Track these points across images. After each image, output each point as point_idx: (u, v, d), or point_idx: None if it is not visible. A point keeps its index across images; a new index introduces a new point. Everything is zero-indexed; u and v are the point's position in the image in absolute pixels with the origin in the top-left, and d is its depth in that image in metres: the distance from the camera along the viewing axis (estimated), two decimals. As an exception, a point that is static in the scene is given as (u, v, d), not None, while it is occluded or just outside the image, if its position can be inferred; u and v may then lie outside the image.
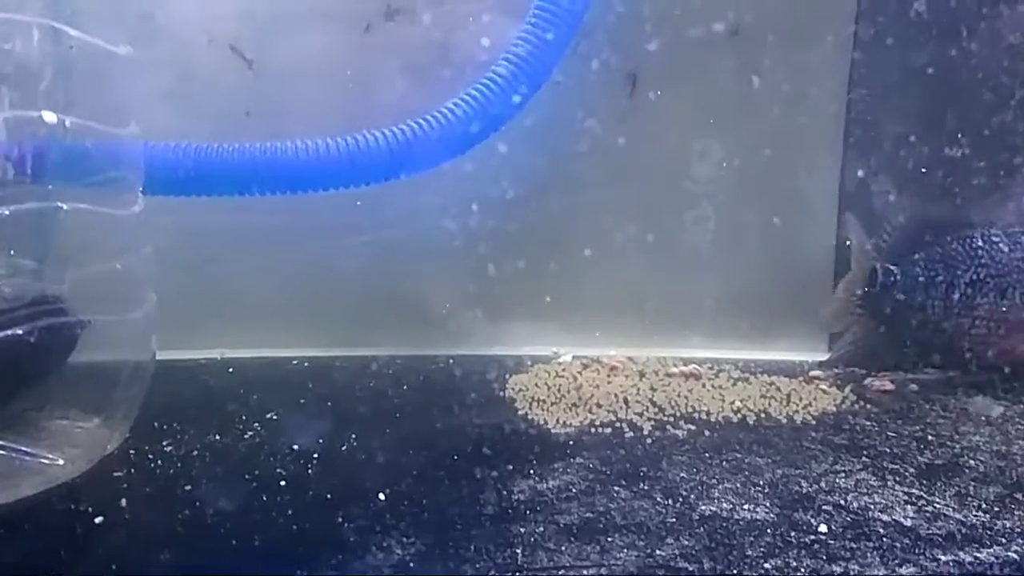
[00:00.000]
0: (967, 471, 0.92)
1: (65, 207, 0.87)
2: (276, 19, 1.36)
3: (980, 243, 1.22)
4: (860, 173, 1.38)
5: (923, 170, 1.37)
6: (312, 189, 1.23)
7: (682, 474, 0.92)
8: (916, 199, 1.38)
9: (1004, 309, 1.18)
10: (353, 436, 1.03)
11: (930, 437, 1.03)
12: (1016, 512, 0.82)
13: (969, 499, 0.85)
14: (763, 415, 1.12)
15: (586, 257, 1.42)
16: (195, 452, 0.99)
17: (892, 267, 1.26)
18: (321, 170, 1.22)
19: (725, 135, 1.39)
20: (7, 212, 0.81)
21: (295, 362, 1.37)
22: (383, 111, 1.31)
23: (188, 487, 0.89)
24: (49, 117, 0.83)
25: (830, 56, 1.36)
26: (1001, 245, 1.21)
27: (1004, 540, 0.76)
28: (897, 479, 0.90)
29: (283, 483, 0.90)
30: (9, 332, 0.82)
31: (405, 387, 1.23)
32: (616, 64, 1.37)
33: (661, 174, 1.41)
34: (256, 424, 1.08)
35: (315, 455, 0.97)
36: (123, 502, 0.86)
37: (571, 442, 1.01)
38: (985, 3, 1.32)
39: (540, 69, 1.28)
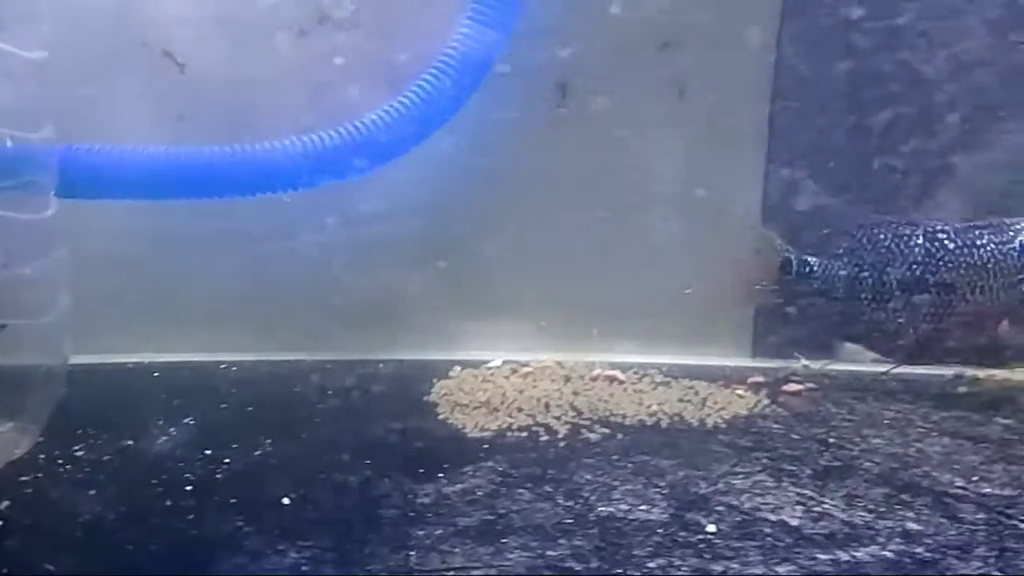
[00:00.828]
0: (861, 472, 0.96)
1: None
2: (210, 23, 1.37)
3: (896, 236, 1.24)
4: (783, 179, 1.41)
5: (849, 178, 1.42)
6: (222, 194, 1.23)
7: (587, 476, 0.94)
8: (838, 206, 1.42)
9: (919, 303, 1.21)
10: (269, 441, 1.04)
11: (831, 439, 1.06)
12: (899, 512, 0.86)
13: (857, 500, 0.89)
14: (677, 418, 1.14)
15: (519, 263, 1.45)
16: (106, 457, 0.99)
17: (809, 258, 1.28)
18: (227, 175, 1.23)
19: (652, 144, 1.42)
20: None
21: (223, 367, 1.37)
22: (317, 115, 1.32)
23: (93, 492, 0.89)
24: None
25: (753, 67, 1.39)
26: (917, 238, 1.23)
27: (882, 540, 0.80)
28: (792, 480, 0.93)
29: (188, 488, 0.90)
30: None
31: (330, 392, 1.24)
32: (546, 73, 1.39)
33: (591, 182, 1.43)
34: (172, 429, 1.08)
35: (226, 460, 0.98)
36: (25, 506, 0.85)
37: (485, 446, 1.03)
38: (907, 10, 1.36)
39: (469, 78, 1.30)
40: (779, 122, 1.39)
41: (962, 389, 1.30)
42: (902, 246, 1.23)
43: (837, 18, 1.37)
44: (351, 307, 1.42)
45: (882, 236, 1.25)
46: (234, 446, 1.02)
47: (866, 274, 1.24)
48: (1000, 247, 1.18)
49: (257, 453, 1.00)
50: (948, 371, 1.35)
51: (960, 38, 1.35)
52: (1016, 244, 1.17)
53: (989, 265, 1.18)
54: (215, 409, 1.16)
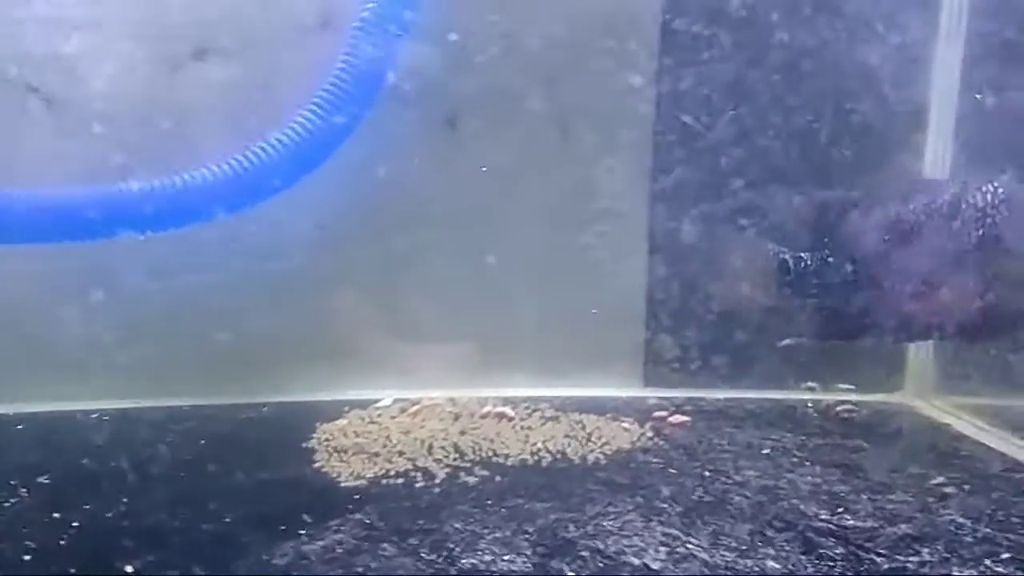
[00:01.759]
0: (730, 508, 0.96)
1: None
2: (80, 59, 1.31)
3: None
4: (667, 211, 1.43)
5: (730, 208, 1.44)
6: (60, 239, 1.18)
7: (457, 525, 0.92)
8: (722, 236, 1.44)
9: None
10: (125, 500, 0.98)
11: (707, 473, 1.07)
12: (760, 551, 0.86)
13: (722, 538, 0.89)
14: (559, 456, 1.13)
15: (409, 299, 1.42)
16: (-57, 525, 0.92)
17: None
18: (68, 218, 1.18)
19: (541, 179, 1.42)
20: None
21: (94, 416, 1.30)
22: (190, 151, 1.28)
23: (-80, 566, 0.83)
24: None
25: (637, 104, 1.41)
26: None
27: (739, 580, 0.80)
28: (661, 520, 0.93)
29: (26, 557, 0.84)
30: None
31: (203, 441, 1.19)
32: (436, 110, 1.38)
33: (480, 216, 1.42)
34: (24, 489, 1.01)
35: (74, 523, 0.92)
36: None
37: (356, 496, 1.00)
38: (776, 31, 1.40)
39: (351, 116, 1.28)
40: (661, 158, 1.41)
41: (844, 414, 1.33)
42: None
43: (714, 50, 1.40)
44: (232, 348, 1.37)
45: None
46: (87, 507, 0.96)
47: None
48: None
49: (109, 514, 0.95)
50: (831, 396, 1.39)
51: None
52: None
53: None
54: (75, 464, 1.10)
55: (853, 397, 1.40)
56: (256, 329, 1.38)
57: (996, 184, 1.06)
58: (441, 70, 1.36)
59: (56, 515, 0.94)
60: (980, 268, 1.06)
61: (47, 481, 1.04)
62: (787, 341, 1.36)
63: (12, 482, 1.03)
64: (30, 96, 1.31)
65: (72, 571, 0.82)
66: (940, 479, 1.05)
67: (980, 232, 1.06)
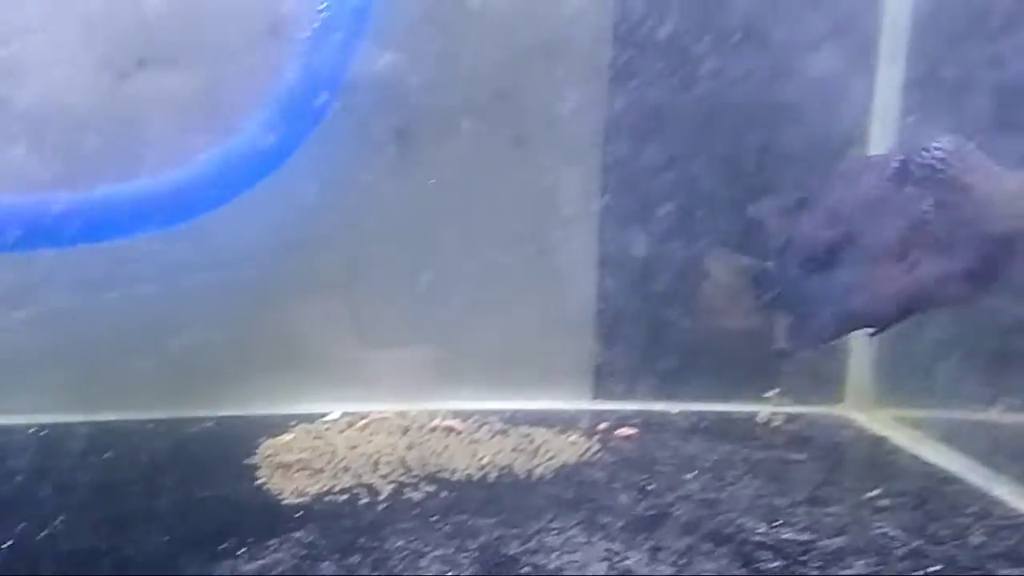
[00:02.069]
0: (670, 522, 0.98)
1: None
2: (25, 63, 1.28)
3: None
4: (618, 227, 1.45)
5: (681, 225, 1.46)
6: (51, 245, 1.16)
7: (400, 543, 0.92)
8: (674, 254, 1.46)
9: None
10: (61, 518, 0.96)
11: (650, 487, 1.08)
12: (697, 565, 0.87)
13: (661, 553, 0.90)
14: (506, 471, 1.14)
15: (358, 311, 1.41)
16: None
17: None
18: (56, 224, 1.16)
19: (493, 192, 1.42)
20: None
21: (32, 431, 1.27)
22: (135, 158, 1.26)
23: None
24: None
25: (587, 119, 1.42)
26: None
27: (676, 595, 0.81)
28: (603, 534, 0.94)
29: (-50, 582, 0.82)
30: None
31: (143, 457, 1.17)
32: (385, 121, 1.38)
33: (430, 228, 1.42)
34: (-43, 508, 0.98)
35: (5, 544, 0.89)
36: None
37: (298, 514, 0.99)
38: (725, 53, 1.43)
39: (299, 127, 1.27)
40: (611, 175, 1.43)
41: (787, 426, 1.36)
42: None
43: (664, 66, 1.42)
44: (181, 361, 1.35)
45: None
46: (20, 527, 0.94)
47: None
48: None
49: (43, 533, 0.92)
50: (774, 409, 1.42)
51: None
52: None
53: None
54: (9, 481, 1.07)
55: (795, 410, 1.42)
56: (202, 341, 1.36)
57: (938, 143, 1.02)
58: (392, 83, 1.36)
59: (-13, 535, 0.91)
60: (941, 230, 1.03)
61: (-20, 498, 1.01)
62: (777, 348, 1.36)
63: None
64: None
65: (-2, 595, 0.80)
66: (875, 492, 1.07)
67: (931, 192, 1.03)
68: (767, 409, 1.41)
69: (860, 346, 1.49)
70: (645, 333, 1.48)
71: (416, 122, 1.39)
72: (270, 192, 1.28)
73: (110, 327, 1.32)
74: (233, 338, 1.37)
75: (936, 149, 1.02)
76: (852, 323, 1.15)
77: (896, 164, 1.05)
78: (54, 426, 1.28)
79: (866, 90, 1.42)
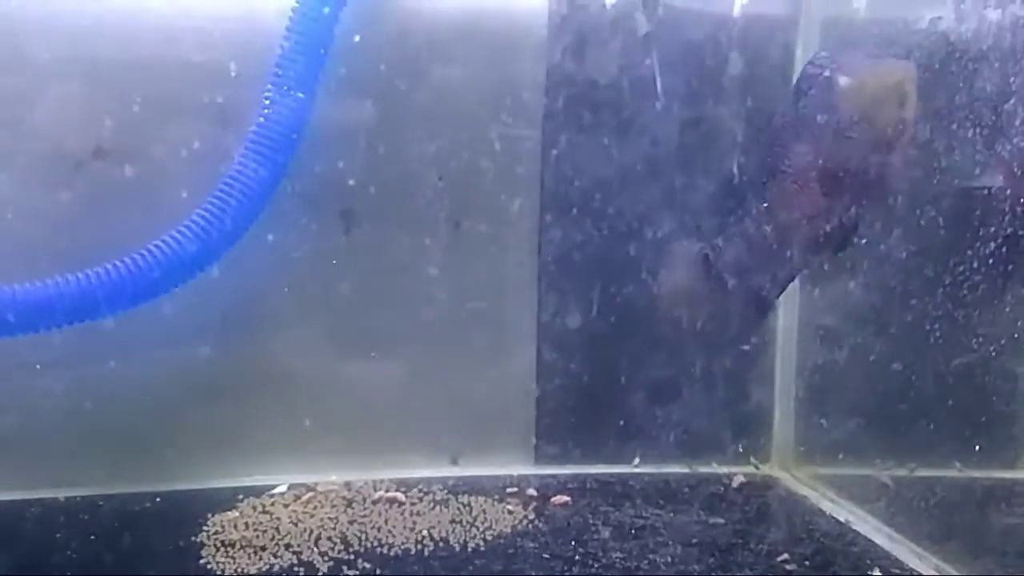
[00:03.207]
0: (592, 594, 1.04)
1: None
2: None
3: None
4: (553, 300, 1.53)
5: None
6: None
7: (332, 622, 0.97)
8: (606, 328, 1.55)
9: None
10: (7, 604, 1.00)
11: (577, 556, 1.15)
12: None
13: (580, 625, 0.96)
14: (442, 543, 1.19)
15: (304, 386, 1.47)
16: None
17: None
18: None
19: (433, 269, 1.50)
20: None
21: (-29, 510, 1.30)
22: (90, 249, 1.31)
23: None
24: None
25: (524, 204, 1.51)
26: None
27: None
28: (526, 609, 1.00)
29: None
30: None
31: (92, 536, 1.20)
32: (331, 205, 1.46)
33: (378, 305, 1.49)
34: None
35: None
36: None
37: (238, 594, 1.04)
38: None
39: (245, 216, 1.34)
40: (548, 249, 1.52)
41: (711, 488, 1.44)
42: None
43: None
44: (127, 438, 1.39)
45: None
46: (-37, 615, 0.97)
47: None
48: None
49: (-14, 623, 0.96)
50: (703, 469, 1.50)
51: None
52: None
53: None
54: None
55: (723, 470, 1.50)
56: (151, 418, 1.40)
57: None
58: (337, 166, 1.44)
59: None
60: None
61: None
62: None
63: None
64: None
65: None
66: (785, 555, 1.15)
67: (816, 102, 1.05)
68: (696, 471, 1.50)
69: (784, 406, 1.58)
70: (581, 400, 1.55)
71: (360, 204, 1.47)
72: (218, 274, 1.34)
73: (59, 406, 1.36)
74: (181, 415, 1.42)
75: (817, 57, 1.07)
76: (791, 270, 1.19)
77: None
78: (3, 503, 1.31)
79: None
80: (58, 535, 1.21)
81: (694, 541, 1.20)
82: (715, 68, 1.53)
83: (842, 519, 1.31)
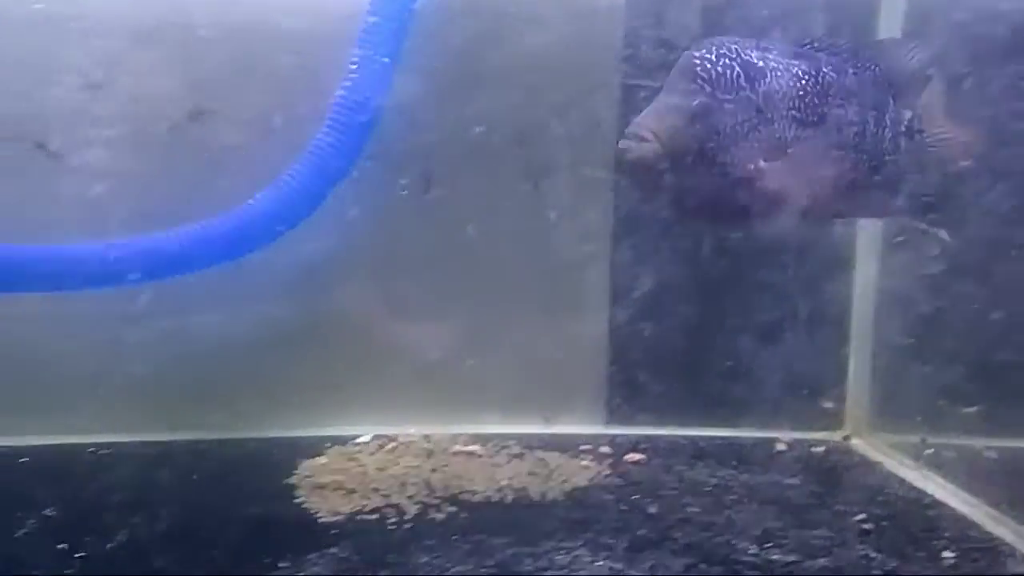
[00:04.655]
0: (670, 543, 1.07)
1: None
2: (82, 117, 1.41)
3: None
4: (628, 261, 1.55)
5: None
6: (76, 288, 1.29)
7: (424, 559, 1.02)
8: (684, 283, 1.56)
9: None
10: (124, 531, 1.08)
11: (653, 510, 1.18)
12: (692, 583, 0.97)
13: (661, 570, 1.00)
14: (522, 493, 1.24)
15: (388, 340, 1.53)
16: (-40, 554, 1.01)
17: None
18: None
19: (510, 228, 1.53)
20: None
21: (91, 450, 1.40)
22: (185, 205, 1.39)
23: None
24: None
25: (599, 165, 1.53)
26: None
27: (671, 610, 0.91)
28: (607, 554, 1.04)
29: (36, 585, 0.94)
30: None
31: (195, 476, 1.29)
32: (412, 166, 1.50)
33: (455, 264, 1.53)
34: (31, 521, 1.11)
35: (78, 555, 1.02)
36: None
37: (334, 531, 1.10)
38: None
39: (336, 166, 1.39)
40: (621, 215, 1.53)
41: (786, 452, 1.45)
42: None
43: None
44: (223, 387, 1.47)
45: None
46: (88, 538, 1.06)
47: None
48: None
49: (109, 546, 1.04)
50: (776, 434, 1.51)
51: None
52: None
53: None
54: (78, 497, 1.19)
55: (796, 435, 1.51)
56: (247, 369, 1.48)
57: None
58: (418, 129, 1.48)
59: (62, 546, 1.04)
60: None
61: (52, 513, 1.13)
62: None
63: (19, 513, 1.12)
64: (37, 152, 1.42)
65: (77, 600, 0.92)
66: (862, 516, 1.16)
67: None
68: (769, 435, 1.51)
69: (860, 373, 1.58)
70: (655, 362, 1.58)
71: (440, 166, 1.50)
72: (307, 232, 1.40)
73: (163, 356, 1.45)
74: (271, 367, 1.49)
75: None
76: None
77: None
78: (111, 445, 1.41)
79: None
80: (162, 474, 1.30)
81: (770, 499, 1.22)
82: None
83: (917, 483, 1.31)
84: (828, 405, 1.55)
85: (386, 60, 1.39)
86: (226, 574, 0.98)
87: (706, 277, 1.57)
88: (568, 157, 1.53)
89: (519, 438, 1.47)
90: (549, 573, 0.99)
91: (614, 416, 1.58)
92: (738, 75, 1.05)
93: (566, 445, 1.45)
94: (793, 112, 1.08)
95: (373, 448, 1.42)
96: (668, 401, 1.57)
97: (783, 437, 1.50)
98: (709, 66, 1.04)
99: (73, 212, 1.40)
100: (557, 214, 1.53)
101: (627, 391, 1.57)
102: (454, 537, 1.08)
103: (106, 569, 0.99)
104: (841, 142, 1.11)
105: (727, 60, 1.05)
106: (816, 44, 1.14)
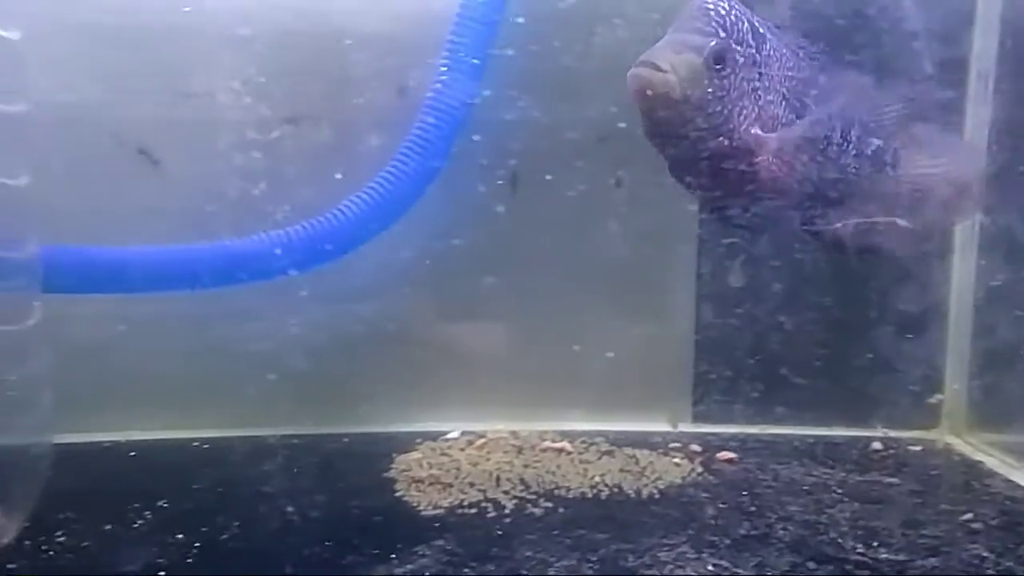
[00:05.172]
0: (774, 541, 1.07)
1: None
2: (182, 123, 1.47)
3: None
4: (715, 257, 1.54)
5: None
6: (209, 287, 1.34)
7: (528, 553, 1.04)
8: (769, 282, 1.55)
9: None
10: (236, 523, 1.12)
11: (753, 508, 1.17)
12: (802, 581, 0.97)
13: (767, 569, 0.99)
14: (616, 490, 1.24)
15: (476, 338, 1.55)
16: (86, 544, 1.06)
17: None
18: (214, 268, 1.34)
19: (597, 228, 1.54)
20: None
21: (196, 444, 1.45)
22: (287, 209, 1.43)
23: (75, 579, 0.98)
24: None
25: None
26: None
27: (783, 608, 0.90)
28: (712, 551, 1.04)
29: (161, 574, 0.98)
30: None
31: (296, 470, 1.32)
32: (500, 166, 1.52)
33: (542, 263, 1.55)
34: (147, 512, 1.16)
35: (196, 544, 1.06)
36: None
37: (436, 524, 1.12)
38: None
39: (427, 173, 1.42)
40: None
41: (882, 451, 1.42)
42: None
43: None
44: (317, 384, 1.51)
45: None
46: (203, 529, 1.10)
47: None
48: None
49: (224, 536, 1.09)
50: (870, 433, 1.48)
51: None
52: None
53: None
54: (187, 490, 1.24)
55: (891, 434, 1.48)
56: (335, 365, 1.52)
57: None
58: (507, 129, 1.49)
59: (179, 536, 1.08)
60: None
61: (166, 505, 1.18)
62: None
63: (136, 505, 1.18)
64: (139, 157, 1.48)
65: (200, 588, 0.96)
66: (969, 515, 1.13)
67: None
68: (862, 434, 1.48)
69: (957, 371, 1.54)
70: (741, 360, 1.56)
71: (526, 165, 1.52)
72: (398, 232, 1.43)
73: (260, 355, 1.49)
74: (364, 364, 1.53)
75: None
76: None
77: None
78: (215, 440, 1.46)
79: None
80: (266, 467, 1.34)
81: (872, 499, 1.20)
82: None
83: (1021, 483, 1.27)
84: (929, 402, 1.51)
85: (475, 61, 1.41)
86: (341, 563, 1.01)
87: (795, 273, 1.55)
88: (653, 153, 1.52)
89: (605, 435, 1.47)
90: (654, 570, 0.99)
91: (699, 414, 1.57)
92: (748, 30, 1.02)
93: (654, 443, 1.45)
94: (783, 90, 1.05)
95: (463, 444, 1.45)
96: (756, 400, 1.56)
97: (878, 436, 1.47)
98: (724, 12, 1.01)
99: (175, 217, 1.46)
100: (642, 211, 1.53)
101: (713, 389, 1.56)
102: (555, 532, 1.09)
103: (226, 559, 1.03)
104: (812, 137, 1.08)
105: (738, 13, 1.02)
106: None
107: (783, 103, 1.06)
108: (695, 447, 1.42)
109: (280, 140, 1.47)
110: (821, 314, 1.55)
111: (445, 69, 1.41)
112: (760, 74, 1.04)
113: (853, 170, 1.13)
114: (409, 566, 1.00)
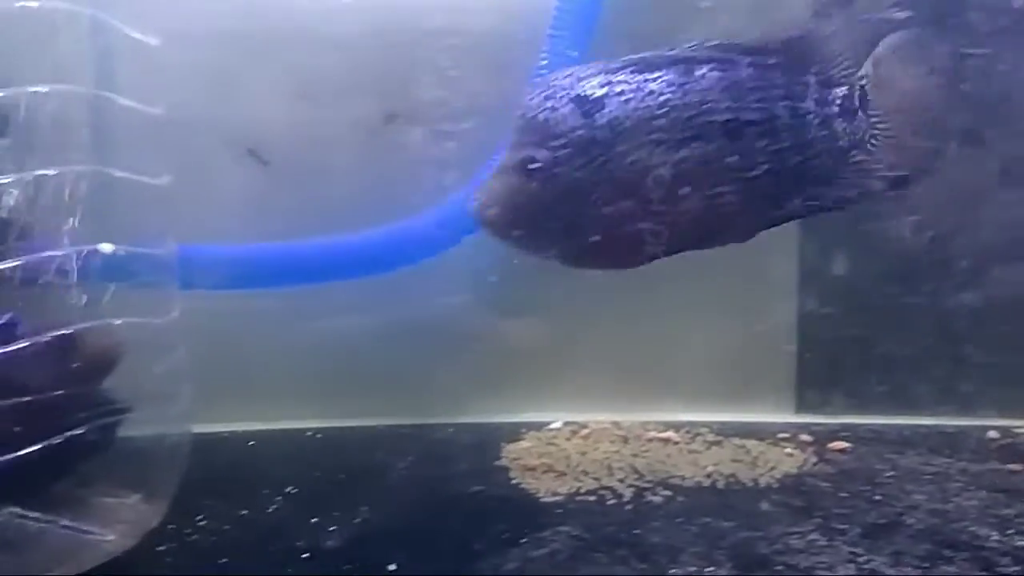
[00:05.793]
0: (905, 529, 1.05)
1: (118, 322, 1.01)
2: (293, 125, 1.52)
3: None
4: (817, 248, 1.53)
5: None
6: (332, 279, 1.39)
7: (656, 539, 1.05)
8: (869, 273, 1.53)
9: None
10: (365, 508, 1.16)
11: (877, 497, 1.16)
12: (943, 568, 0.95)
13: (904, 556, 0.98)
14: (732, 479, 1.24)
15: (575, 329, 1.56)
16: (227, 527, 1.12)
17: None
18: (337, 263, 1.39)
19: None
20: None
21: (309, 433, 1.50)
22: (385, 205, 1.47)
23: (225, 560, 1.02)
24: (106, 248, 0.98)
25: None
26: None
27: (928, 594, 0.89)
28: (843, 539, 1.03)
29: (305, 555, 1.02)
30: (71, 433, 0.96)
31: (410, 457, 1.36)
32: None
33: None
34: (278, 498, 1.20)
35: (331, 528, 1.10)
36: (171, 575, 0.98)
37: (559, 510, 1.14)
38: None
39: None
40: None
41: (997, 441, 1.39)
42: None
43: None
44: (421, 375, 1.55)
45: None
46: (335, 513, 1.14)
47: None
48: None
49: (356, 520, 1.12)
50: (983, 422, 1.45)
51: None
52: None
53: None
54: (311, 477, 1.29)
55: (1004, 423, 1.45)
56: (438, 358, 1.55)
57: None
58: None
59: (314, 520, 1.12)
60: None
61: (295, 491, 1.23)
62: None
63: (265, 491, 1.23)
64: (247, 157, 1.53)
65: (348, 568, 0.99)
66: (1104, 504, 1.10)
67: None
68: (976, 423, 1.45)
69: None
70: (843, 350, 1.54)
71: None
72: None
73: (366, 349, 1.54)
74: (469, 356, 1.55)
75: None
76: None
77: None
78: (327, 430, 1.51)
79: None
80: (379, 455, 1.38)
81: (997, 487, 1.17)
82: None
83: None
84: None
85: (575, 54, 1.42)
86: (472, 545, 1.03)
87: (899, 261, 1.52)
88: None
89: (709, 426, 1.47)
90: (787, 557, 0.99)
91: (803, 404, 1.56)
92: (567, 115, 1.03)
93: (760, 433, 1.44)
94: (658, 134, 1.02)
95: (567, 434, 1.46)
96: (862, 389, 1.54)
97: (992, 424, 1.44)
98: (532, 114, 1.04)
99: (281, 213, 1.51)
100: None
101: (816, 379, 1.55)
102: (678, 520, 1.10)
103: (361, 541, 1.06)
104: (742, 148, 1.04)
105: (554, 101, 1.04)
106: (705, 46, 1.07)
107: (657, 147, 1.04)
108: (804, 437, 1.41)
109: (379, 139, 1.51)
110: (920, 299, 1.52)
111: (545, 61, 1.42)
112: (604, 143, 1.03)
113: (823, 136, 1.06)
114: (543, 550, 1.02)
